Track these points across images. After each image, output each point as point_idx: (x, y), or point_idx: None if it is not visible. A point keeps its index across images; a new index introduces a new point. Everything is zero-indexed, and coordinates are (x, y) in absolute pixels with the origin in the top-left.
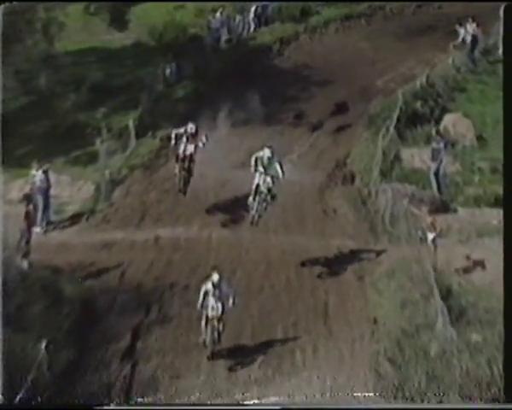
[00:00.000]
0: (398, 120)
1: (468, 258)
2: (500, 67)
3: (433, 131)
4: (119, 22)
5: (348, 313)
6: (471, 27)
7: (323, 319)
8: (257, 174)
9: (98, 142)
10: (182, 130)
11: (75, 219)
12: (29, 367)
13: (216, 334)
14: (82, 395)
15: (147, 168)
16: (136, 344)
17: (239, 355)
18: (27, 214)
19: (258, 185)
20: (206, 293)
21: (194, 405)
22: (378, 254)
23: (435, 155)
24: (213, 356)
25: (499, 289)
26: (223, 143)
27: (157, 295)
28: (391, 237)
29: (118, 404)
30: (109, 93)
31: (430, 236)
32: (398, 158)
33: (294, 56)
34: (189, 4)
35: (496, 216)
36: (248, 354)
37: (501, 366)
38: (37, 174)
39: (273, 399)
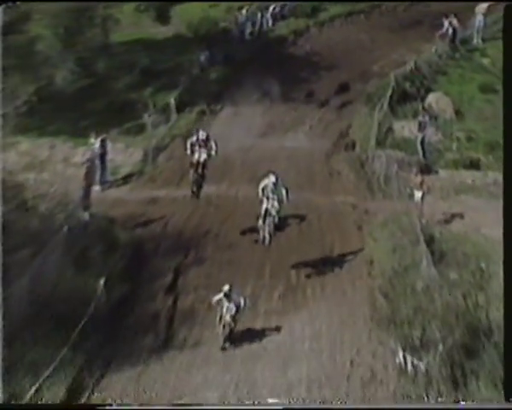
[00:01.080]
0: (391, 97)
1: (447, 212)
2: (475, 55)
3: (420, 107)
4: (162, 18)
5: (350, 256)
6: (453, 21)
7: (330, 262)
8: (265, 199)
9: (146, 116)
10: (194, 138)
11: (127, 179)
12: (90, 300)
13: (228, 330)
14: (132, 323)
15: (185, 137)
16: (178, 281)
17: (261, 290)
18: (88, 175)
19: (266, 209)
20: (219, 301)
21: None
22: (374, 208)
23: (421, 127)
24: (223, 349)
25: (473, 236)
26: (246, 116)
27: (194, 242)
28: (385, 194)
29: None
30: (154, 76)
31: (418, 193)
32: (390, 129)
33: (306, 46)
34: (220, 3)
35: (470, 177)
36: (268, 290)
37: (474, 299)
38: (95, 142)
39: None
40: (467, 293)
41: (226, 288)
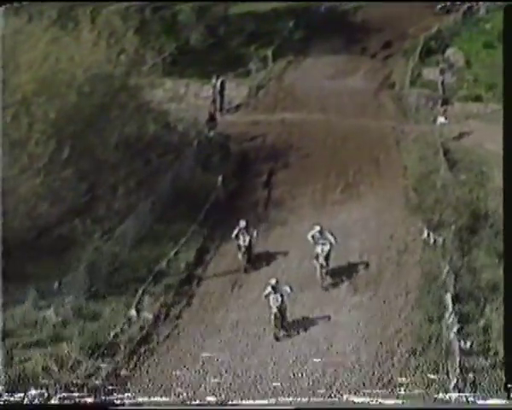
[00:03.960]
0: (421, 51)
1: (459, 132)
2: (480, 22)
3: (441, 58)
4: None
5: (390, 162)
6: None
7: (376, 167)
8: (316, 246)
9: (251, 64)
10: (240, 226)
11: (238, 108)
12: (212, 191)
13: (279, 320)
14: (240, 207)
15: (278, 79)
16: (271, 179)
17: (328, 187)
18: (211, 105)
19: (317, 254)
20: (268, 293)
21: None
22: (408, 129)
23: (442, 72)
24: (278, 339)
25: (477, 149)
26: (320, 65)
27: (282, 152)
28: (415, 119)
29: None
30: (258, 36)
31: (440, 119)
32: (420, 74)
33: (361, 16)
34: None
35: (476, 107)
36: (333, 186)
37: (476, 194)
38: (217, 83)
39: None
40: (472, 189)
41: (273, 281)
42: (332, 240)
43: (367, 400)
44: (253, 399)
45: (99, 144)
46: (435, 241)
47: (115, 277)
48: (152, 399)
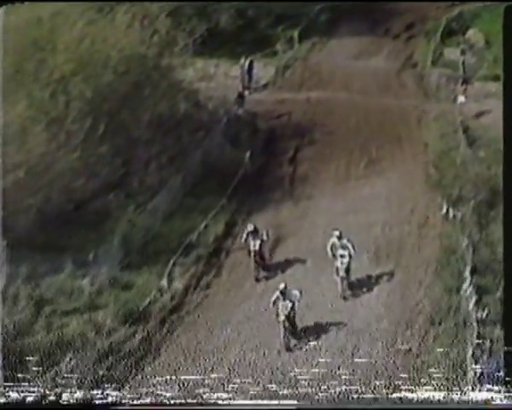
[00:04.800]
0: (442, 32)
1: (478, 110)
2: (500, 8)
3: (461, 39)
4: None
5: (412, 139)
6: None
7: (398, 144)
8: (335, 261)
9: (278, 45)
10: (248, 229)
11: (265, 87)
12: (240, 167)
13: (288, 328)
14: (267, 183)
15: (303, 60)
16: (297, 156)
17: (352, 162)
18: (242, 82)
19: (337, 268)
20: (276, 299)
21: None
22: (429, 107)
23: (462, 53)
24: (288, 350)
25: (495, 126)
26: (344, 46)
27: (308, 129)
28: (436, 98)
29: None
30: (284, 19)
31: (460, 98)
32: (441, 54)
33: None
34: None
35: (494, 86)
36: (357, 161)
37: (494, 170)
38: (245, 63)
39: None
40: (490, 165)
41: (282, 286)
42: (351, 249)
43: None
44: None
45: (132, 122)
46: (454, 215)
47: (148, 248)
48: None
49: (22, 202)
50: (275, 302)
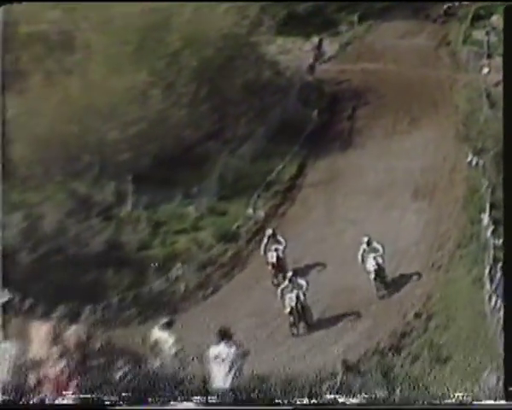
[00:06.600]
0: (472, 17)
1: (499, 80)
2: None
3: (487, 23)
4: None
5: (445, 103)
6: None
7: (434, 106)
8: (367, 265)
9: (341, 26)
10: (267, 234)
11: (330, 59)
12: (308, 124)
13: (295, 318)
14: (329, 135)
15: (360, 38)
16: (354, 114)
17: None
18: (313, 55)
19: (369, 271)
20: (283, 290)
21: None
22: (459, 77)
23: (487, 34)
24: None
25: None
26: (391, 27)
27: (362, 94)
28: (465, 70)
29: None
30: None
31: (485, 69)
32: (470, 35)
33: None
34: None
35: None
36: (401, 120)
37: None
38: (316, 40)
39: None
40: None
41: (289, 274)
42: (380, 250)
43: None
44: None
45: (227, 86)
46: (477, 163)
47: (238, 184)
48: None
49: (144, 147)
50: (283, 291)
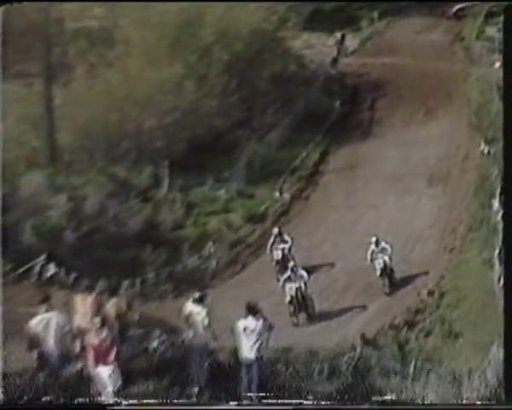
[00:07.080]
0: (485, 15)
1: None
2: None
3: (499, 20)
4: None
5: (459, 95)
6: None
7: (448, 97)
8: (375, 264)
9: (362, 22)
10: (273, 232)
11: (352, 53)
12: (331, 112)
13: (295, 307)
14: (352, 121)
15: (380, 34)
16: (375, 104)
17: (407, 111)
18: (336, 49)
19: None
20: (285, 280)
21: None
22: (472, 70)
23: (499, 30)
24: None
25: None
26: (408, 24)
27: (382, 86)
28: (478, 63)
29: None
30: (368, 4)
31: (496, 64)
32: (483, 31)
33: None
34: None
35: None
36: (417, 111)
37: None
38: (339, 36)
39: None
40: None
41: (291, 264)
42: (388, 249)
43: None
44: None
45: (255, 78)
46: (488, 152)
47: (265, 169)
48: None
49: (178, 134)
50: (284, 282)
